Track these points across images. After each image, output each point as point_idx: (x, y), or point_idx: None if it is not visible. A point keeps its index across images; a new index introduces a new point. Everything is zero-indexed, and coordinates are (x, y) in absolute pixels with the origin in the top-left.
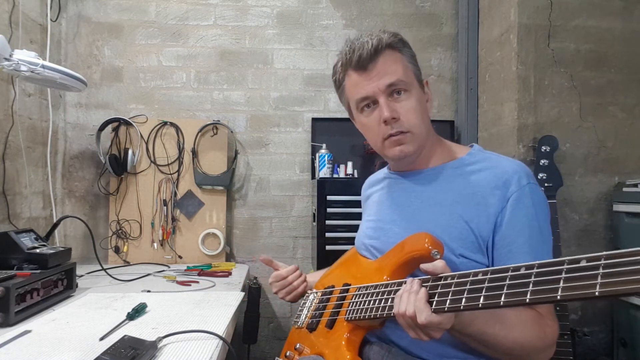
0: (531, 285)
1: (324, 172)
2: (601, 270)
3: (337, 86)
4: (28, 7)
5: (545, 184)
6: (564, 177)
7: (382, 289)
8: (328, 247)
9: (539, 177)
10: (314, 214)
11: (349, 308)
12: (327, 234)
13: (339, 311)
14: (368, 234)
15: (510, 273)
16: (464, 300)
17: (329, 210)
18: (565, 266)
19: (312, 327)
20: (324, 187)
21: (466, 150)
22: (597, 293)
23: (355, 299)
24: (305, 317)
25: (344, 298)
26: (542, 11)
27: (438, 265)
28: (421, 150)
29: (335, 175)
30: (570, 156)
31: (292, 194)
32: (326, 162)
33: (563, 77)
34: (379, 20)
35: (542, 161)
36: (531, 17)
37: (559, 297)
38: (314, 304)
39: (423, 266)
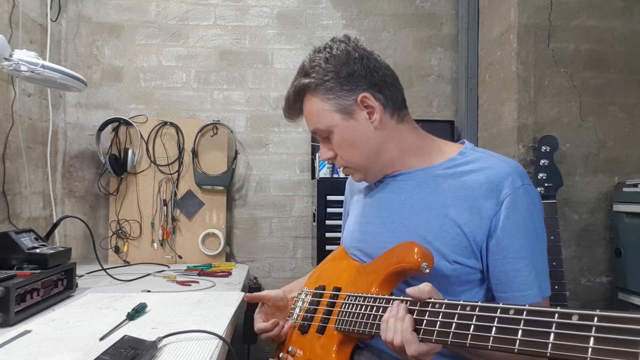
0: (520, 333)
1: (324, 172)
2: (593, 333)
3: None
4: (28, 7)
5: (545, 184)
6: (564, 177)
7: (371, 303)
8: (328, 247)
9: (539, 177)
10: (314, 214)
11: (339, 317)
12: (327, 234)
13: (329, 318)
14: (356, 237)
15: (498, 314)
16: (451, 335)
17: (329, 210)
18: (556, 319)
19: (303, 330)
20: (324, 187)
21: (457, 148)
22: (588, 359)
23: (344, 308)
24: (298, 317)
25: (333, 304)
26: (542, 11)
27: (425, 289)
28: (374, 171)
29: (335, 175)
30: (570, 156)
31: (292, 194)
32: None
33: (563, 77)
34: (379, 20)
35: (542, 161)
36: (531, 17)
37: (548, 353)
38: (305, 304)
39: (409, 291)
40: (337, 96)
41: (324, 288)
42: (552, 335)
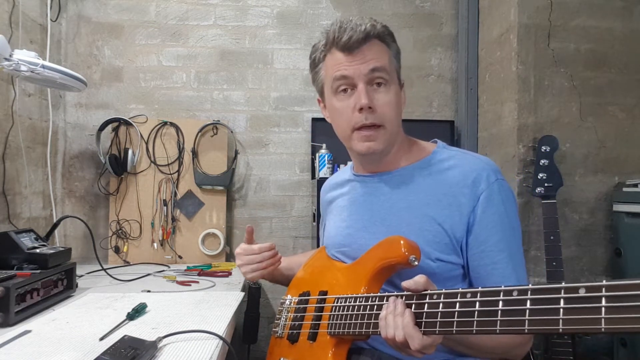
0: (527, 313)
1: (324, 172)
2: (604, 304)
3: (314, 65)
4: (28, 7)
5: (545, 184)
6: (564, 177)
7: (364, 303)
8: None
9: (538, 177)
10: (314, 214)
11: (330, 321)
12: None
13: (319, 324)
14: (338, 241)
15: (502, 297)
16: (455, 324)
17: None
18: (563, 295)
19: (293, 339)
20: None
21: (431, 147)
22: (602, 329)
23: (335, 311)
24: (284, 327)
25: (322, 309)
26: (542, 11)
27: (420, 281)
28: (389, 149)
29: None
30: (570, 156)
31: (292, 194)
32: (326, 162)
33: (563, 77)
34: (379, 20)
35: (542, 161)
36: (531, 17)
37: (560, 329)
38: (291, 312)
39: (405, 284)
40: (398, 64)
41: (308, 294)
42: (561, 310)
